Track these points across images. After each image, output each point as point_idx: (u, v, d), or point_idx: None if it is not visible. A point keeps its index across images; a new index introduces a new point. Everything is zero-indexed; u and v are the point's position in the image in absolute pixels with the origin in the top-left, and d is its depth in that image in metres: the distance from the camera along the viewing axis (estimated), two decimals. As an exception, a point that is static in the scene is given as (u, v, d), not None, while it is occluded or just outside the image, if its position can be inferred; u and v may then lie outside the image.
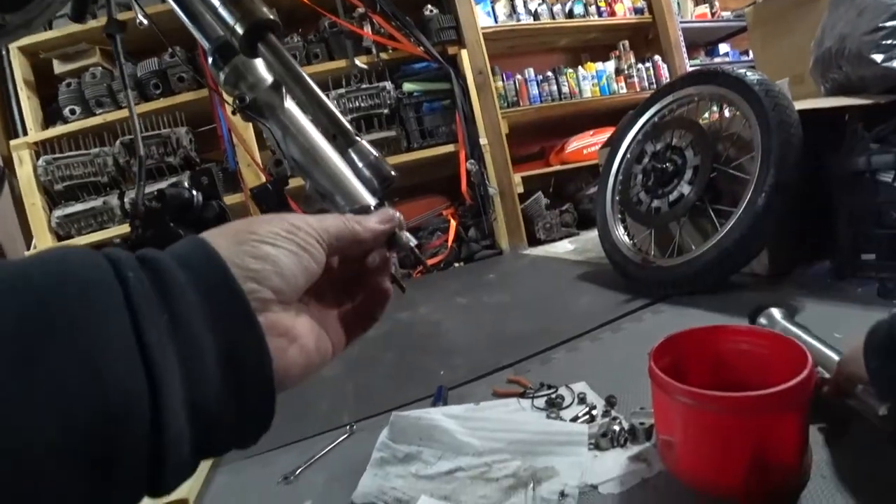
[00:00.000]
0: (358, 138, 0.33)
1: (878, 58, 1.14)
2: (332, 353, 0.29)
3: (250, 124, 1.94)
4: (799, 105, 1.17)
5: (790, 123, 1.10)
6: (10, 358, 0.15)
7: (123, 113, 2.27)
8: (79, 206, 2.24)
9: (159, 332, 0.18)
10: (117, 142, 2.23)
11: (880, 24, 1.15)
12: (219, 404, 0.20)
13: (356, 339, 0.32)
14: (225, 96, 2.02)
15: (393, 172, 0.33)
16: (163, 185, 2.25)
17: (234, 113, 0.57)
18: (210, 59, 0.58)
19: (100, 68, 2.32)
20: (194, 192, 0.51)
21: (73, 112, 2.30)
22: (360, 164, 0.33)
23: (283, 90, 0.55)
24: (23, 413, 0.15)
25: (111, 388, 0.17)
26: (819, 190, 1.18)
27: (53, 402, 0.15)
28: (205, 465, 0.80)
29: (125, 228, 2.24)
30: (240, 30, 0.36)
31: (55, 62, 2.35)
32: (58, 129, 2.28)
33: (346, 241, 0.29)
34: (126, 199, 2.23)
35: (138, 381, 0.17)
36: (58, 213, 2.23)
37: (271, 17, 0.36)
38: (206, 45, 0.60)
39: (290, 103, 0.56)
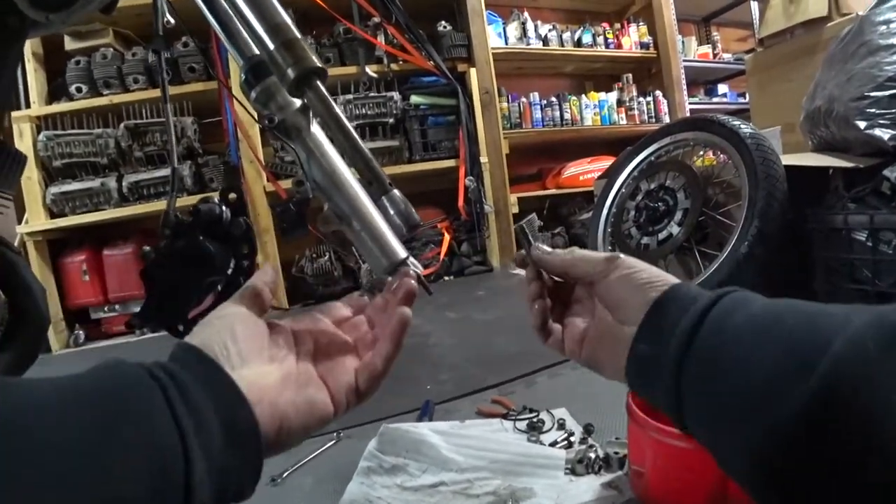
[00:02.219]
0: (391, 187, 0.37)
1: (862, 124, 1.21)
2: (317, 417, 0.33)
3: (257, 121, 1.97)
4: (786, 160, 1.24)
5: (776, 177, 1.16)
6: (105, 432, 0.23)
7: (131, 96, 2.28)
8: (76, 185, 2.23)
9: (179, 406, 0.26)
10: (121, 125, 2.23)
11: (866, 93, 1.23)
12: (221, 451, 0.27)
13: (374, 386, 0.36)
14: (235, 93, 2.04)
15: (419, 219, 0.37)
16: (163, 172, 2.26)
17: (262, 131, 0.60)
18: (243, 77, 0.62)
19: (111, 49, 2.33)
20: (224, 208, 0.54)
21: (79, 90, 2.30)
22: (391, 211, 0.37)
23: (311, 114, 0.58)
24: (115, 478, 0.22)
25: (161, 444, 0.24)
26: (800, 241, 1.24)
27: (132, 454, 0.23)
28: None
29: (120, 212, 2.24)
30: (292, 74, 0.40)
31: (66, 38, 2.34)
32: (62, 106, 2.28)
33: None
34: (124, 183, 2.24)
35: (174, 439, 0.25)
36: (54, 189, 2.22)
37: (320, 65, 0.40)
38: (239, 61, 0.63)
39: (315, 127, 0.60)
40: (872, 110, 1.21)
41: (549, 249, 0.42)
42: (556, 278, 0.44)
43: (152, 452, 0.24)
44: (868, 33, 1.30)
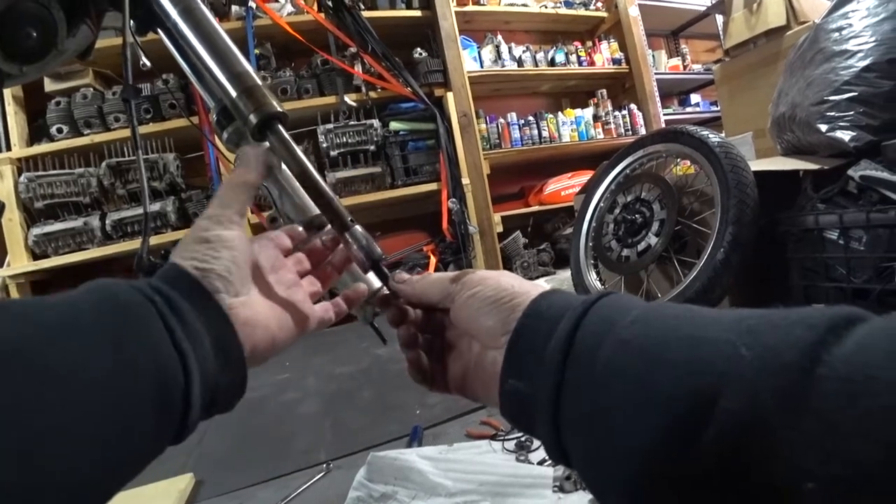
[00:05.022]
0: (353, 223, 0.38)
1: (824, 127, 1.26)
2: (298, 330, 0.38)
3: (239, 154, 1.99)
4: (754, 166, 1.28)
5: (746, 184, 1.19)
6: (111, 352, 0.26)
7: (111, 135, 2.29)
8: (58, 226, 2.22)
9: (179, 331, 0.29)
10: (103, 164, 2.24)
11: (825, 97, 1.28)
12: (215, 374, 0.31)
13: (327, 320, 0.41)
14: (216, 136, 2.06)
15: (381, 253, 0.38)
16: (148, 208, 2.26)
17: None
18: (214, 119, 0.63)
19: (91, 89, 2.34)
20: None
21: (59, 131, 2.31)
22: (354, 247, 0.38)
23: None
24: (125, 380, 0.26)
25: (163, 365, 0.28)
26: (775, 242, 1.27)
27: (138, 373, 0.26)
28: (181, 500, 0.81)
29: (104, 251, 2.22)
30: (253, 120, 0.41)
31: (46, 80, 2.35)
32: (43, 147, 2.28)
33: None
34: (107, 221, 2.23)
35: (175, 360, 0.28)
36: (36, 230, 2.20)
37: (280, 109, 0.42)
38: (210, 103, 0.65)
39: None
40: (832, 114, 1.26)
41: (405, 276, 0.40)
42: (419, 310, 0.41)
43: (156, 373, 0.27)
44: (823, 41, 1.36)
